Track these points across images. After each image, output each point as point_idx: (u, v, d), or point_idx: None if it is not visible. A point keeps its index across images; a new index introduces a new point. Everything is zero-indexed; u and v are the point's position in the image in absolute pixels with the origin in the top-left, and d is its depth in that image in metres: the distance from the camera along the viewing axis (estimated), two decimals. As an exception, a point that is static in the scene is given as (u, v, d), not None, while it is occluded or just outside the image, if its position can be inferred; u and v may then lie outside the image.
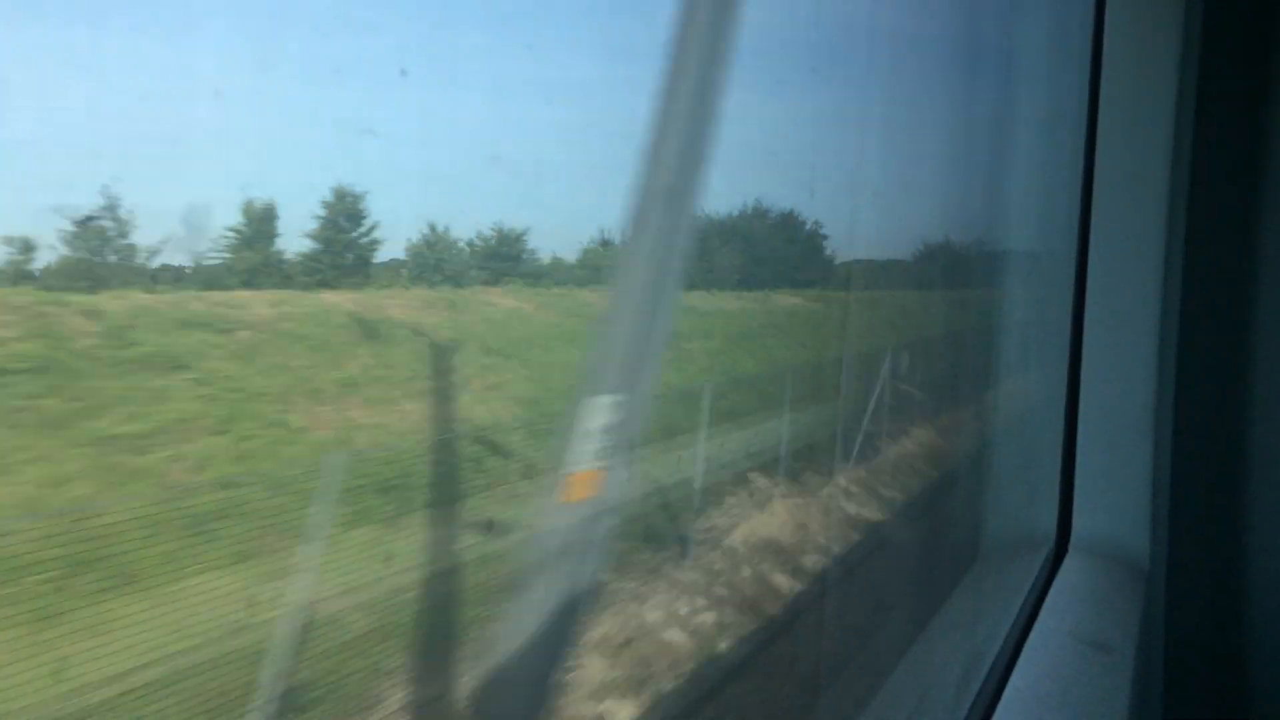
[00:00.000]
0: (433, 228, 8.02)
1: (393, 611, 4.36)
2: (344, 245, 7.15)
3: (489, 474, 5.51)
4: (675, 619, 4.71)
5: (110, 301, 5.12)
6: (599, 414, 1.73)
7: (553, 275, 8.76)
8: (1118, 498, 1.88)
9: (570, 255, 9.04)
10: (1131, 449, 1.87)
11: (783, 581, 5.35)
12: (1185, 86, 1.81)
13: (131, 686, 3.51)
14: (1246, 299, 1.80)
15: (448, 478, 5.32)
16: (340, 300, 6.72)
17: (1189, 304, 1.82)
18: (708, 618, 4.82)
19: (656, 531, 5.72)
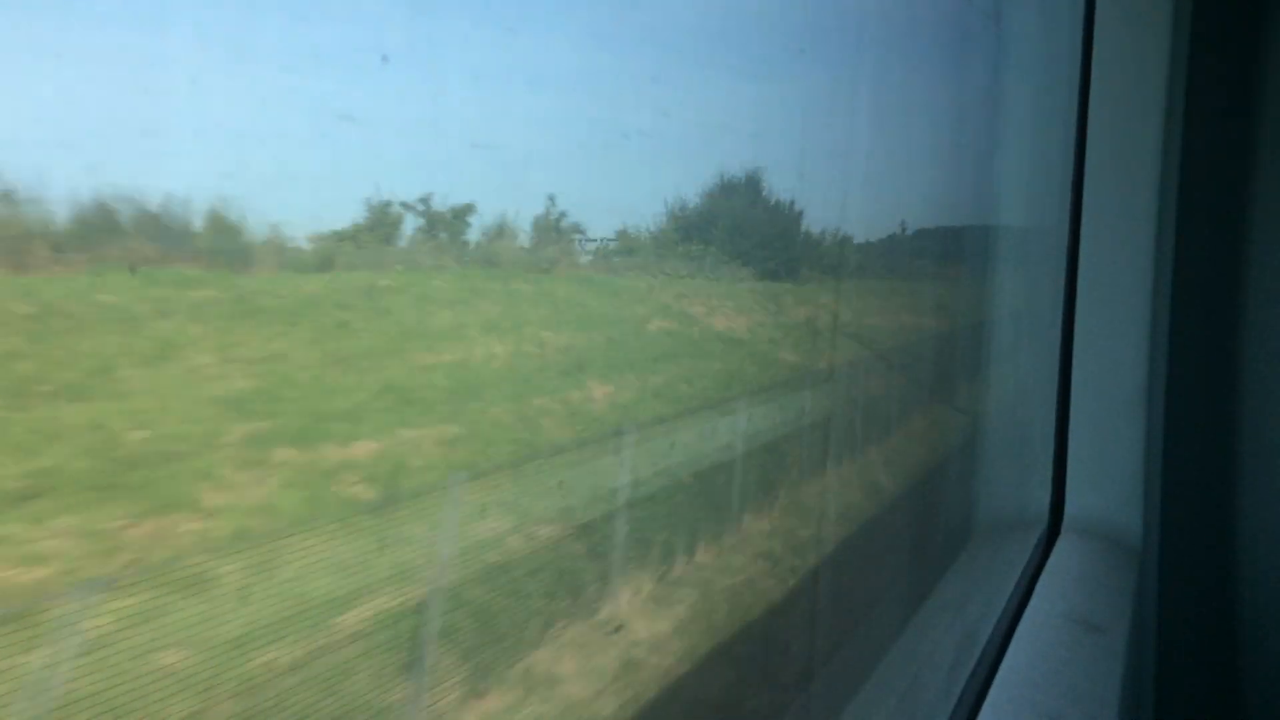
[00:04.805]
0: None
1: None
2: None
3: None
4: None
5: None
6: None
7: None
8: (1110, 478, 1.89)
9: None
10: (1124, 429, 1.87)
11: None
12: (1176, 72, 1.80)
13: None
14: (1237, 278, 1.80)
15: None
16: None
17: (1180, 284, 1.82)
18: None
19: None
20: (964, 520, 2.26)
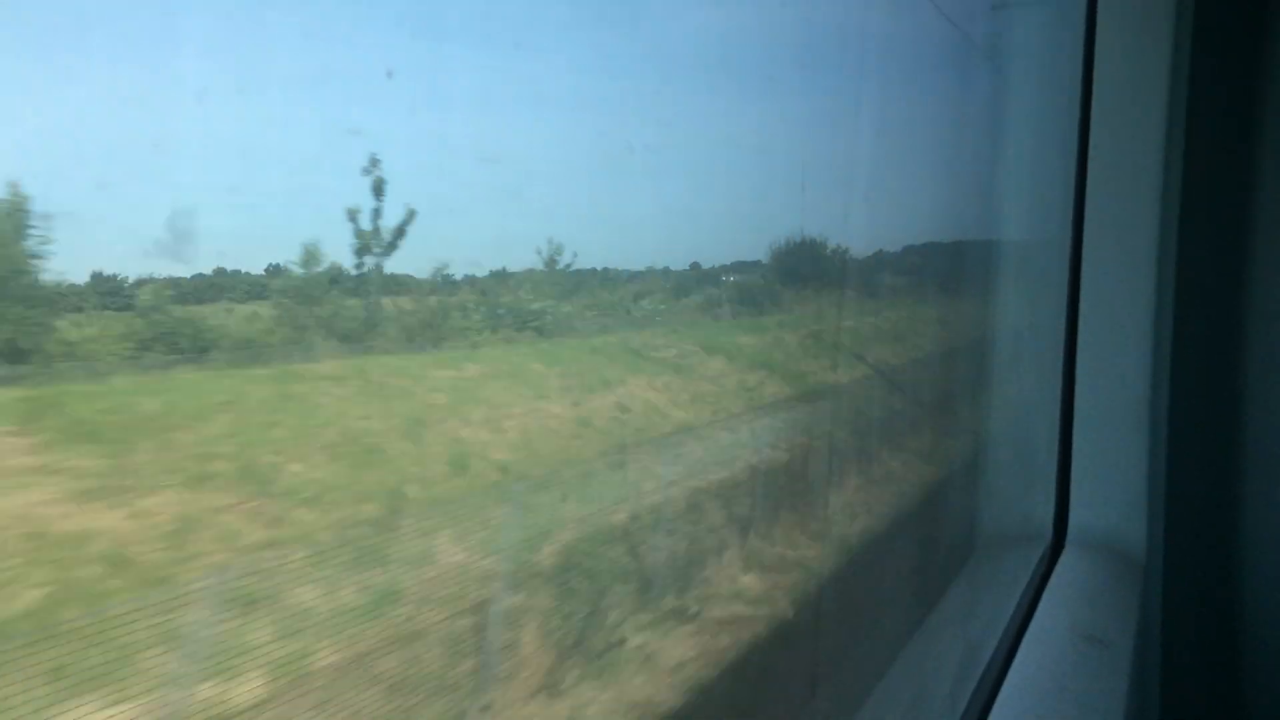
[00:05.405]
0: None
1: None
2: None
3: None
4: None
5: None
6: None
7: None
8: (1114, 492, 1.89)
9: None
10: (1127, 443, 1.87)
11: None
12: (1178, 80, 1.81)
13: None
14: (1240, 292, 1.81)
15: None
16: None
17: (1182, 298, 1.82)
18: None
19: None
20: (968, 534, 2.26)
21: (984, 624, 1.65)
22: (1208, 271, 1.82)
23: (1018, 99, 2.28)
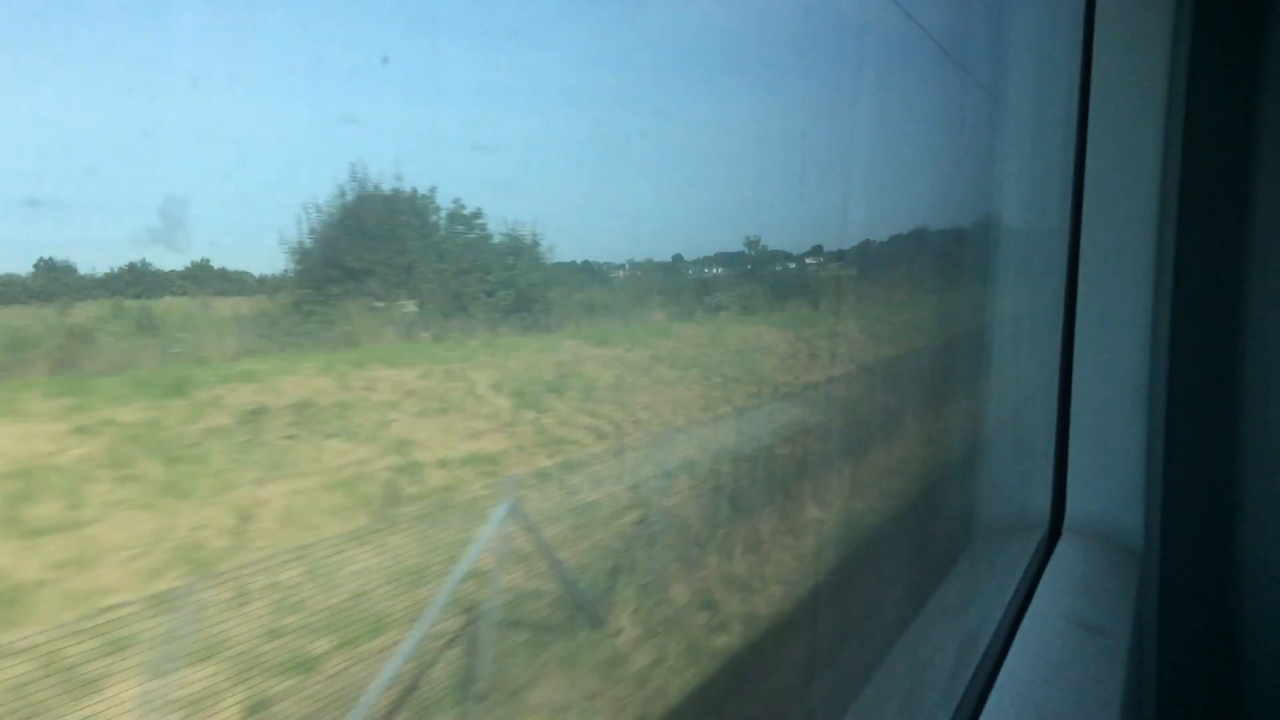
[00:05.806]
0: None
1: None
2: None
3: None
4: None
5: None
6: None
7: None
8: (1111, 481, 1.89)
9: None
10: (1125, 432, 1.87)
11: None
12: (1177, 72, 1.80)
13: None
14: (1238, 281, 1.80)
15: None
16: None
17: (1181, 287, 1.82)
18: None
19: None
20: (965, 523, 2.26)
21: (982, 612, 1.65)
22: (1206, 260, 1.82)
23: (1016, 90, 2.27)
